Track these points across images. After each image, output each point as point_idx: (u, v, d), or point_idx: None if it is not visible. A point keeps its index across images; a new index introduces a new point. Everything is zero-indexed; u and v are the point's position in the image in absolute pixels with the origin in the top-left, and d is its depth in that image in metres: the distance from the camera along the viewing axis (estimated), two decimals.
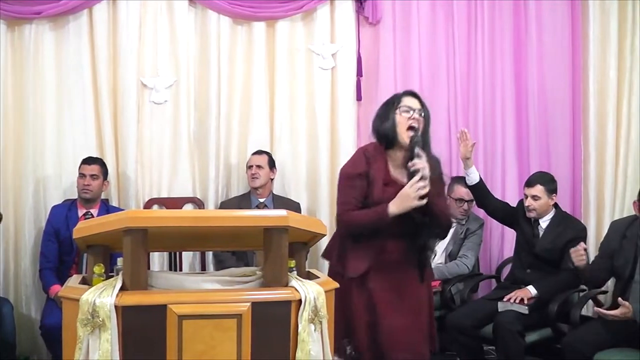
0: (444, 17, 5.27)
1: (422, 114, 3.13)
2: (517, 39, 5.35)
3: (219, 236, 2.59)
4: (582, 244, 3.83)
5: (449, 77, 5.29)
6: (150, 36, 4.81)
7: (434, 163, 3.12)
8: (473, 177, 4.59)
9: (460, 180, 4.79)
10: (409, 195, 2.95)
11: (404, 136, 3.09)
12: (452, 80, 5.28)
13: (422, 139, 3.09)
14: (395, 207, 2.98)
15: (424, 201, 2.96)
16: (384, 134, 3.15)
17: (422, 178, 2.96)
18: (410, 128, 3.09)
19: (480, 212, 4.93)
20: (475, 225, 4.86)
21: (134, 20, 4.76)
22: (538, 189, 4.37)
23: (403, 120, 3.09)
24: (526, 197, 4.42)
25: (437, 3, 5.25)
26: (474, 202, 4.82)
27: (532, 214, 4.40)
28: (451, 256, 4.82)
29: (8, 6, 4.55)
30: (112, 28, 4.76)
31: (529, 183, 4.43)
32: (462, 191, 4.82)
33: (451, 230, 4.79)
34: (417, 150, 3.02)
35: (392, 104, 3.17)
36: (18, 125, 4.63)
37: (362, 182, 3.11)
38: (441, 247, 4.86)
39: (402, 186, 3.00)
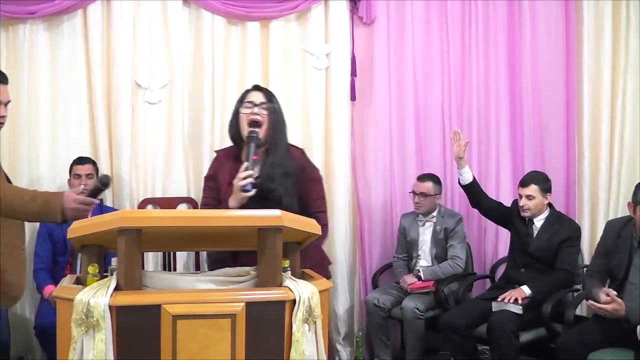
0: (438, 17, 5.28)
1: (268, 108, 3.02)
2: (511, 39, 5.35)
3: (214, 236, 2.59)
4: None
5: (443, 77, 5.29)
6: (145, 36, 4.79)
7: (279, 160, 3.02)
8: (466, 177, 4.61)
9: (423, 176, 4.90)
10: (236, 188, 2.92)
11: (245, 132, 3.03)
12: (447, 80, 5.28)
13: (270, 134, 3.01)
14: (232, 201, 2.96)
15: (250, 193, 2.90)
16: (229, 131, 3.12)
17: (246, 169, 2.90)
18: (252, 123, 3.01)
19: (465, 209, 4.98)
20: (452, 222, 4.85)
21: (128, 20, 4.74)
22: (532, 189, 4.39)
23: (244, 116, 3.03)
24: (520, 196, 4.43)
25: (431, 3, 5.25)
26: (439, 197, 4.89)
27: (526, 214, 4.41)
28: (437, 258, 4.83)
29: (2, 6, 4.52)
30: (106, 28, 4.74)
31: (523, 183, 4.44)
32: (420, 186, 4.86)
33: (429, 232, 4.84)
34: (251, 145, 2.94)
35: (239, 100, 3.10)
36: (12, 126, 4.60)
37: (213, 184, 3.15)
38: (425, 251, 4.88)
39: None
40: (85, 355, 2.15)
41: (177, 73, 4.82)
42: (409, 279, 4.70)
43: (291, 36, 5.03)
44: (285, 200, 2.95)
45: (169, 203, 4.72)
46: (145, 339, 2.19)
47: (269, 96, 3.09)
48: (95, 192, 2.69)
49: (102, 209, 4.41)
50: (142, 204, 4.71)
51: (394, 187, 5.19)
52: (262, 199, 2.93)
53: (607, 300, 3.58)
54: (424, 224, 4.91)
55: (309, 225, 2.56)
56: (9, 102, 3.12)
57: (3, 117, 3.06)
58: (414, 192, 4.89)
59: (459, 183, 4.70)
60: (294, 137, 4.91)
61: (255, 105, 3.00)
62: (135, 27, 4.77)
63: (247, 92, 3.10)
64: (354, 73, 5.08)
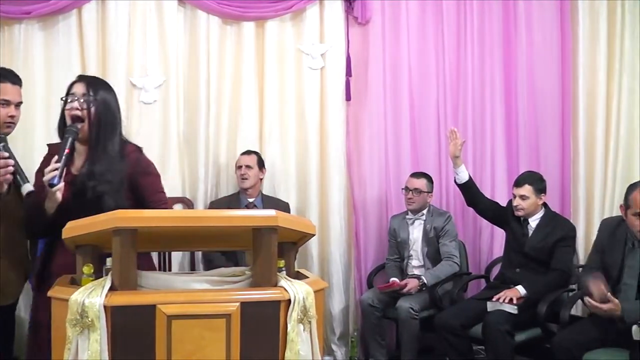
0: (433, 17, 5.29)
1: (89, 101, 2.78)
2: (506, 39, 5.37)
3: (209, 236, 2.58)
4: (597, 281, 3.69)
5: (439, 77, 5.31)
6: (140, 36, 4.79)
7: (103, 156, 2.78)
8: (462, 176, 4.62)
9: (417, 173, 4.94)
10: (45, 183, 2.66)
11: None
12: (442, 80, 5.30)
13: (93, 129, 2.78)
14: (47, 201, 2.70)
15: (57, 187, 2.63)
16: (57, 128, 2.90)
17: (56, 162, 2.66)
18: (73, 118, 2.78)
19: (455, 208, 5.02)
20: (441, 220, 4.87)
21: (123, 20, 4.74)
22: (526, 189, 4.39)
23: (67, 112, 2.81)
24: (515, 196, 4.44)
25: (426, 3, 5.27)
26: (430, 195, 4.90)
27: (520, 213, 4.42)
28: (429, 257, 4.84)
29: (1, 6, 4.54)
30: (101, 28, 4.74)
31: (518, 183, 4.45)
32: (414, 182, 4.89)
33: (418, 230, 4.85)
34: (67, 138, 2.72)
35: (66, 93, 2.86)
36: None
37: (40, 179, 2.79)
38: (417, 250, 4.89)
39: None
40: (80, 356, 2.14)
41: (172, 73, 4.82)
42: (412, 283, 4.68)
43: (286, 36, 5.04)
44: (108, 199, 2.72)
45: None
46: (140, 339, 2.18)
47: (95, 87, 2.82)
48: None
49: None
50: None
51: (389, 186, 5.20)
52: (80, 197, 2.73)
53: (601, 293, 3.58)
54: (413, 223, 4.92)
55: (304, 225, 2.55)
56: (20, 103, 3.14)
57: (13, 117, 3.09)
58: (407, 188, 4.90)
59: (455, 182, 4.71)
60: (289, 136, 4.99)
61: (76, 98, 2.78)
62: (130, 27, 4.78)
63: (72, 83, 2.87)
64: (349, 73, 5.10)
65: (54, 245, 2.85)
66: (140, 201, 2.89)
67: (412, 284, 4.63)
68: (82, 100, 2.78)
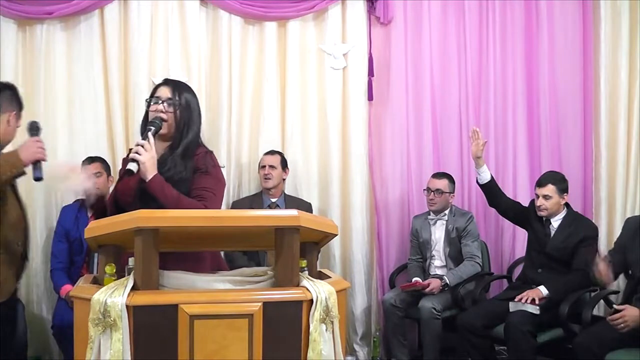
0: (455, 17, 5.27)
1: (173, 104, 2.85)
2: (528, 39, 5.33)
3: (231, 236, 2.59)
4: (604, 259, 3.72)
5: (460, 77, 5.28)
6: (162, 36, 4.82)
7: (179, 157, 2.82)
8: (484, 176, 4.59)
9: (439, 174, 4.91)
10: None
11: None
12: (464, 80, 5.27)
13: (174, 131, 2.85)
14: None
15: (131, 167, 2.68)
16: (140, 129, 2.96)
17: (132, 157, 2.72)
18: (156, 119, 2.84)
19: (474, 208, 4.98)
20: (463, 221, 4.85)
21: (145, 20, 4.77)
22: (549, 189, 4.36)
23: (152, 113, 2.87)
24: (537, 196, 4.41)
25: (448, 3, 5.25)
26: (452, 196, 4.88)
27: (543, 213, 4.39)
28: (451, 257, 4.82)
29: (20, 6, 4.57)
30: (123, 28, 4.77)
31: (540, 183, 4.42)
32: (436, 183, 4.86)
33: (440, 231, 4.83)
34: (150, 128, 2.78)
35: (150, 95, 2.94)
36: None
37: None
38: (439, 251, 4.87)
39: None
40: (103, 355, 2.15)
41: (194, 73, 4.83)
42: (434, 283, 4.65)
43: (308, 36, 5.04)
44: (179, 189, 2.76)
45: None
46: (163, 338, 2.19)
47: (179, 90, 2.90)
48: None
49: None
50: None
51: (411, 186, 5.18)
52: (147, 196, 2.74)
53: (605, 276, 3.59)
54: (435, 223, 4.90)
55: (327, 225, 2.55)
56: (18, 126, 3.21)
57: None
58: (428, 189, 4.88)
59: (477, 182, 4.68)
60: (311, 137, 4.99)
61: (162, 101, 2.85)
62: (152, 27, 4.80)
63: (157, 87, 2.94)
64: (371, 73, 5.08)
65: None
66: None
67: (434, 283, 4.61)
68: (166, 104, 2.85)
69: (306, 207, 4.71)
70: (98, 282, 2.40)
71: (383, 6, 5.06)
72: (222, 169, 3.01)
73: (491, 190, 4.64)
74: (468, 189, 5.25)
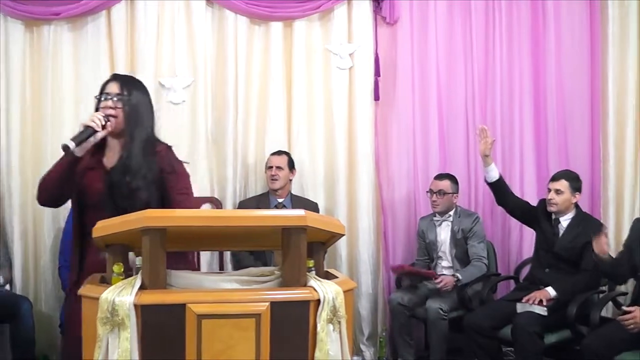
0: (462, 16, 5.26)
1: (122, 99, 2.81)
2: (535, 39, 5.32)
3: (238, 236, 2.58)
4: (605, 232, 3.79)
5: (467, 76, 5.28)
6: (168, 36, 4.83)
7: (134, 153, 2.80)
8: (492, 175, 4.57)
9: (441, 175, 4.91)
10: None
11: None
12: (470, 80, 5.27)
13: (125, 127, 2.81)
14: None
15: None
16: None
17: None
18: (107, 117, 2.80)
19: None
20: (469, 222, 4.84)
21: (152, 20, 4.78)
22: (562, 184, 4.36)
23: (101, 110, 2.82)
24: (549, 190, 4.39)
25: (454, 2, 5.24)
26: (456, 196, 4.87)
27: (552, 208, 4.37)
28: (458, 259, 4.82)
29: (27, 7, 4.59)
30: (129, 28, 4.79)
31: (554, 177, 4.43)
32: (438, 184, 4.86)
33: (446, 232, 4.83)
34: (87, 130, 2.73)
35: (99, 92, 2.90)
36: (37, 126, 4.66)
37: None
38: (445, 252, 4.87)
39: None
40: (111, 354, 2.15)
41: (200, 73, 4.84)
42: (447, 279, 4.64)
43: (314, 36, 5.04)
44: (142, 194, 2.76)
45: None
46: (170, 337, 2.18)
47: (128, 86, 2.87)
48: None
49: None
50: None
51: (418, 186, 5.18)
52: (114, 191, 2.78)
53: (602, 250, 3.67)
54: (440, 224, 4.90)
55: (334, 225, 2.55)
56: None
57: None
58: (431, 191, 4.87)
59: (485, 181, 4.66)
60: (317, 137, 5.00)
61: (110, 97, 2.82)
62: (158, 27, 4.81)
63: (106, 82, 2.90)
64: (377, 73, 5.08)
65: (85, 246, 2.86)
66: (165, 198, 2.89)
67: (447, 280, 4.59)
68: (115, 99, 2.82)
69: (313, 207, 4.71)
70: (106, 282, 2.40)
71: (389, 6, 5.05)
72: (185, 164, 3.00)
73: (499, 189, 4.63)
74: (475, 189, 5.24)
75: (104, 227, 2.33)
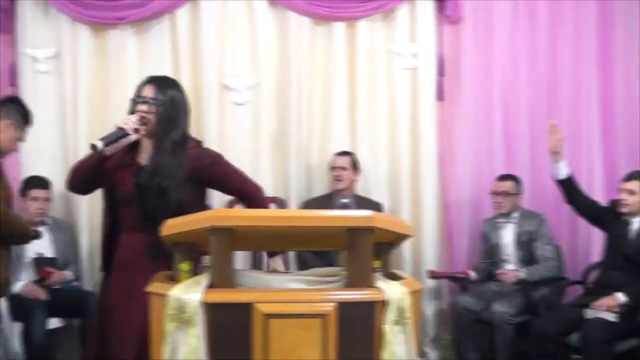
0: (526, 15, 5.17)
1: (158, 102, 2.85)
2: (602, 37, 5.19)
3: (303, 236, 2.57)
4: None
5: (531, 75, 5.18)
6: (231, 37, 4.90)
7: (165, 153, 2.83)
8: (562, 172, 4.44)
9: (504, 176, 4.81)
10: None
11: None
12: (535, 78, 5.17)
13: (157, 128, 2.85)
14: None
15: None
16: None
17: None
18: (142, 120, 2.85)
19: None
20: (534, 223, 4.74)
21: (215, 22, 4.85)
22: (635, 184, 4.23)
23: (137, 113, 2.87)
24: (621, 191, 4.27)
25: (519, 2, 5.14)
26: (520, 197, 4.79)
27: (624, 209, 4.24)
28: (523, 261, 4.72)
29: (94, 12, 4.72)
30: (193, 30, 4.86)
31: (627, 178, 4.30)
32: (501, 185, 4.77)
33: (510, 234, 4.74)
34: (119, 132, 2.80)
35: (135, 94, 2.95)
36: (103, 128, 4.72)
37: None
38: (510, 254, 4.78)
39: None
40: (178, 350, 2.18)
41: (263, 74, 4.89)
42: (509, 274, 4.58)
43: (377, 36, 5.03)
44: (172, 194, 2.79)
45: None
46: (237, 336, 2.19)
47: (164, 88, 2.91)
48: None
49: None
50: (230, 204, 4.76)
51: (482, 187, 5.10)
52: (144, 190, 2.82)
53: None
54: (504, 226, 4.81)
55: (401, 226, 2.52)
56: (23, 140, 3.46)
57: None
58: (494, 193, 4.79)
59: (554, 179, 4.55)
60: (380, 137, 4.98)
61: (146, 100, 2.86)
62: (221, 28, 4.87)
63: (142, 85, 2.95)
64: (441, 72, 5.03)
65: (115, 239, 2.94)
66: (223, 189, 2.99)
67: (509, 273, 4.56)
68: (150, 103, 2.86)
69: (376, 207, 4.69)
70: (174, 279, 2.43)
71: (452, 5, 5.00)
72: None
73: (569, 187, 4.50)
74: (541, 190, 5.12)
75: (172, 226, 2.35)
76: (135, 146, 2.93)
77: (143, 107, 2.85)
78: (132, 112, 2.90)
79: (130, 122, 2.81)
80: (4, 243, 3.14)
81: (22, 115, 3.39)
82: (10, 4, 4.71)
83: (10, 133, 3.33)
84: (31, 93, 4.78)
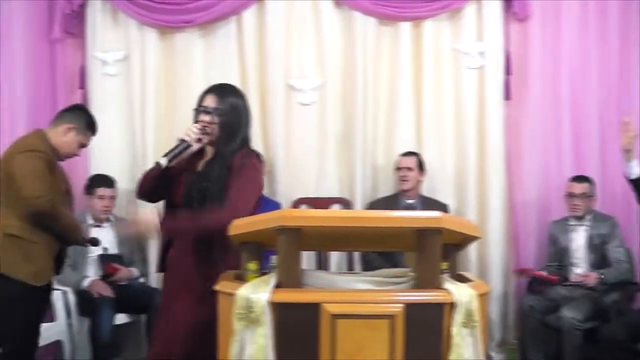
0: (596, 11, 5.02)
1: (220, 112, 2.89)
2: None
3: (368, 237, 2.57)
4: None
5: (601, 74, 5.03)
6: (297, 38, 4.91)
7: (218, 161, 2.88)
8: (634, 171, 4.30)
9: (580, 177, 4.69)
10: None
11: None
12: (605, 77, 5.03)
13: (219, 137, 2.90)
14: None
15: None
16: None
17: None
18: (203, 130, 2.90)
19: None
20: (606, 226, 4.61)
21: (281, 23, 4.86)
22: None
23: (199, 122, 2.92)
24: None
25: (589, 1, 5.01)
26: (594, 199, 4.66)
27: None
28: (594, 265, 4.60)
29: (161, 16, 4.81)
30: (259, 32, 4.89)
31: None
32: (578, 187, 4.65)
33: (581, 237, 4.63)
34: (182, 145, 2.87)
35: (197, 103, 2.98)
36: (170, 130, 4.82)
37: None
38: (580, 258, 4.66)
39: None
40: (246, 349, 2.20)
41: (329, 74, 4.89)
42: (591, 276, 4.48)
43: (443, 35, 4.98)
44: (216, 199, 2.81)
45: (322, 203, 4.77)
46: (304, 336, 2.21)
47: (225, 97, 2.96)
48: None
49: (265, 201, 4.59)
50: (296, 204, 4.81)
51: (549, 188, 5.00)
52: (190, 193, 2.88)
53: None
54: (576, 230, 4.70)
55: (469, 227, 2.50)
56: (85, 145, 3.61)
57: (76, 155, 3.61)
58: (570, 195, 4.68)
59: (627, 178, 4.42)
60: (446, 137, 4.95)
61: (209, 110, 2.91)
62: (287, 29, 4.88)
63: (204, 94, 2.98)
64: (508, 71, 4.95)
65: (169, 244, 2.99)
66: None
67: (591, 275, 4.45)
68: (212, 113, 2.91)
69: (442, 208, 4.63)
70: (240, 279, 2.45)
71: (520, 2, 4.91)
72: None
73: None
74: (611, 192, 4.98)
75: (241, 225, 2.38)
76: (200, 152, 3.00)
77: (205, 117, 2.91)
78: (195, 122, 2.96)
79: (191, 133, 2.88)
80: (49, 235, 3.32)
81: (86, 122, 3.54)
82: (80, 9, 4.83)
83: (72, 137, 3.48)
84: (100, 95, 4.92)
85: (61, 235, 3.38)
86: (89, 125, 3.55)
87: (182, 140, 2.88)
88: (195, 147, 2.91)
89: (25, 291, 3.29)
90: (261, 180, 2.98)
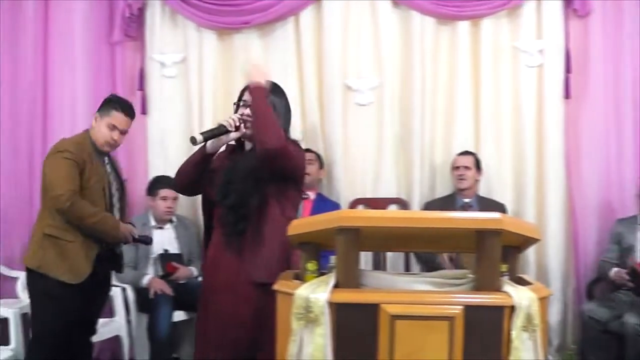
0: None
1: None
2: None
3: (426, 237, 2.56)
4: None
5: None
6: (354, 38, 4.91)
7: (247, 158, 2.89)
8: None
9: None
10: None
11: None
12: None
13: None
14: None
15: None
16: None
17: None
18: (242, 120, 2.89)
19: None
20: None
21: (339, 23, 4.87)
22: None
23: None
24: None
25: None
26: None
27: None
28: None
29: (219, 18, 4.87)
30: (317, 32, 4.90)
31: None
32: None
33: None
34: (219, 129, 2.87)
35: (238, 98, 3.00)
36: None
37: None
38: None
39: None
40: (305, 349, 2.22)
41: (386, 74, 4.88)
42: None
43: (502, 34, 4.92)
44: (246, 194, 2.83)
45: (379, 203, 4.77)
46: (363, 336, 2.21)
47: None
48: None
49: (322, 198, 4.71)
50: (354, 204, 4.81)
51: (612, 190, 4.90)
52: (224, 190, 2.89)
53: None
54: None
55: (530, 229, 2.46)
56: (126, 131, 3.58)
57: (115, 140, 3.54)
58: None
59: None
60: (504, 137, 4.89)
61: (247, 105, 2.91)
62: (345, 29, 4.89)
63: (244, 90, 2.99)
64: (568, 69, 4.86)
65: (209, 239, 3.04)
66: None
67: None
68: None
69: (500, 208, 4.58)
70: (299, 278, 2.47)
71: None
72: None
73: None
74: None
75: (300, 226, 2.40)
76: (241, 148, 3.03)
77: (245, 110, 2.92)
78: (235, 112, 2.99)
79: (231, 120, 2.89)
80: (85, 234, 3.40)
81: (105, 104, 3.56)
82: (140, 11, 4.92)
83: (98, 124, 3.52)
84: (158, 96, 5.01)
85: (96, 234, 3.43)
86: (109, 104, 3.55)
87: (221, 125, 2.89)
88: (233, 135, 2.91)
89: (60, 289, 3.37)
90: (302, 161, 3.02)
